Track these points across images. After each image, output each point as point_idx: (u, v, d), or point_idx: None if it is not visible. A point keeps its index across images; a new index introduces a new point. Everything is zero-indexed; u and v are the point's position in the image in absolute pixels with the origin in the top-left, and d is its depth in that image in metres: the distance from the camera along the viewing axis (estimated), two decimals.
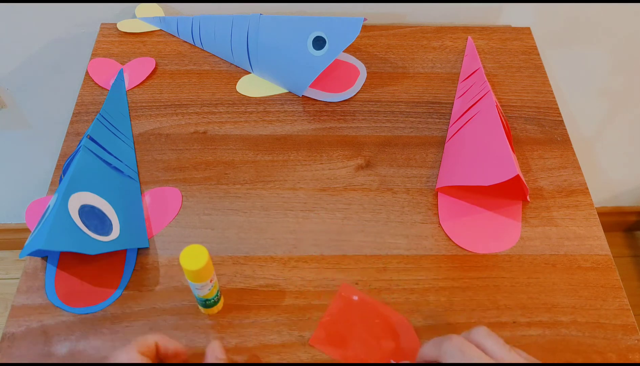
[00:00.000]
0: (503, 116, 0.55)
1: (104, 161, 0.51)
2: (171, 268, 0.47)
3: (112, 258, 0.47)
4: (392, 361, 0.43)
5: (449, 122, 0.59)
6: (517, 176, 0.46)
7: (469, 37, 0.66)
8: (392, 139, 0.57)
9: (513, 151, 0.54)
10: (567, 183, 0.54)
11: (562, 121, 0.59)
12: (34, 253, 0.46)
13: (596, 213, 0.52)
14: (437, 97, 0.61)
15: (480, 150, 0.51)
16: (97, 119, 0.54)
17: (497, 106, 0.54)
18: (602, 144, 0.96)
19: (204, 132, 0.57)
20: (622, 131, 0.93)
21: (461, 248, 0.49)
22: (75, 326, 0.44)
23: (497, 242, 0.50)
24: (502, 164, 0.47)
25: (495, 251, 0.49)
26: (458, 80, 0.63)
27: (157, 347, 0.38)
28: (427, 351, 0.38)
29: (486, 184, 0.47)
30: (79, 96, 0.60)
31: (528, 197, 0.52)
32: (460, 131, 0.55)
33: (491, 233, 0.50)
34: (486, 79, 0.57)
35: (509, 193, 0.52)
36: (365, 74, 0.63)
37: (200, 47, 0.65)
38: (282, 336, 0.44)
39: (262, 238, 0.49)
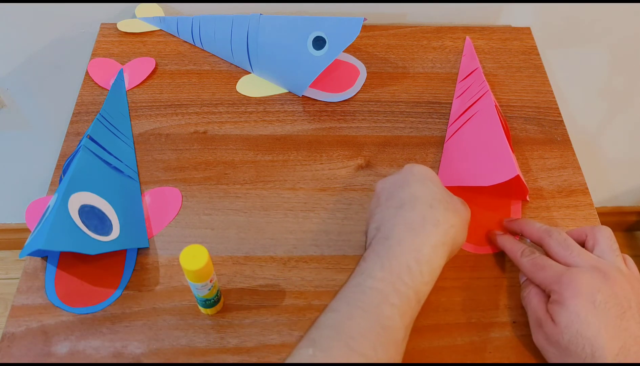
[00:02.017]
0: (502, 115, 0.55)
1: (104, 161, 0.51)
2: (171, 268, 0.47)
3: (112, 258, 0.47)
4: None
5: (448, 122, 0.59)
6: (517, 176, 0.46)
7: (467, 37, 0.66)
8: (392, 139, 0.57)
9: (512, 151, 0.54)
10: (567, 183, 0.54)
11: (562, 121, 0.59)
12: (34, 253, 0.46)
13: (596, 213, 0.52)
14: (437, 97, 0.61)
15: (480, 150, 0.51)
16: (97, 119, 0.54)
17: (496, 105, 0.54)
18: (602, 144, 0.96)
19: (204, 132, 0.57)
20: (622, 131, 0.93)
21: (461, 248, 0.49)
22: (75, 326, 0.44)
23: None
24: (503, 165, 0.47)
25: (494, 251, 0.49)
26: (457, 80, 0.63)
27: None
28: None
29: (486, 185, 0.47)
30: (79, 96, 0.60)
31: (528, 197, 0.52)
32: (459, 131, 0.55)
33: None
34: (485, 79, 0.57)
35: (508, 193, 0.52)
36: (365, 74, 0.63)
37: (200, 47, 0.65)
38: (282, 336, 0.44)
39: (262, 238, 0.49)
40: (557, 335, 0.39)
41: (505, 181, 0.46)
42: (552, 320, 0.40)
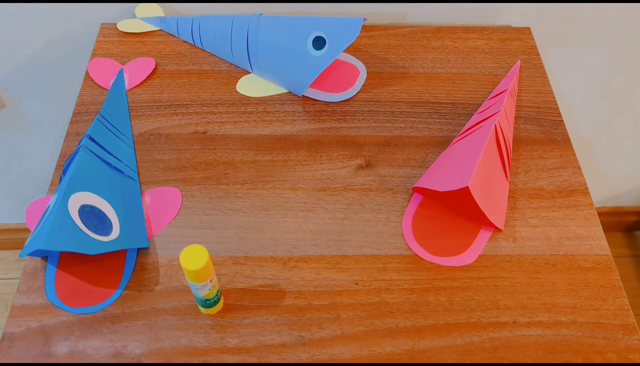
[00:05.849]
0: (505, 136, 0.53)
1: (104, 161, 0.51)
2: (171, 268, 0.47)
3: (112, 258, 0.47)
4: None
5: (448, 122, 0.59)
6: (467, 188, 0.44)
7: (519, 60, 0.64)
8: (392, 139, 0.57)
9: (507, 178, 0.52)
10: (567, 183, 0.54)
11: (562, 121, 0.59)
12: (34, 253, 0.46)
13: (596, 213, 0.52)
14: (437, 97, 0.61)
15: (456, 160, 0.50)
16: (97, 119, 0.54)
17: (498, 126, 0.52)
18: (602, 144, 0.96)
19: (204, 132, 0.57)
20: (622, 131, 0.93)
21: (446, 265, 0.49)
22: (75, 326, 0.44)
23: (452, 257, 0.49)
24: (463, 174, 0.46)
25: (474, 260, 0.49)
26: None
27: None
28: None
29: (440, 190, 0.46)
30: (79, 96, 0.60)
31: (499, 224, 0.50)
32: (455, 144, 0.54)
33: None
34: (504, 101, 0.55)
35: (476, 220, 0.51)
36: (365, 74, 0.63)
37: (200, 47, 0.65)
38: (282, 336, 0.44)
39: (262, 238, 0.49)
40: None
41: (471, 209, 0.46)
42: None
